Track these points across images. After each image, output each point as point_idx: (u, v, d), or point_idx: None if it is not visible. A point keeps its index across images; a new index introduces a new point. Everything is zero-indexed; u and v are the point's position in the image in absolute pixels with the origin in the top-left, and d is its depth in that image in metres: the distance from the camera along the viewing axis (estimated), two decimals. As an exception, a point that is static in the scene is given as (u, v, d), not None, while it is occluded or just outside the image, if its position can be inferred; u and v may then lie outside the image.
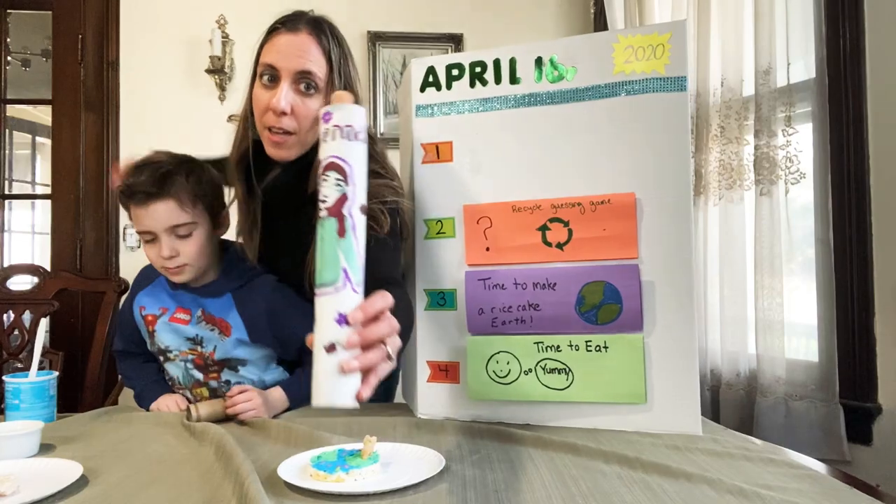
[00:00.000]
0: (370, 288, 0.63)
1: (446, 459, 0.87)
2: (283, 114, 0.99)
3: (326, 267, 0.58)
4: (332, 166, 0.59)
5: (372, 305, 0.59)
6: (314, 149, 0.97)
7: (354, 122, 0.60)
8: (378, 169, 1.10)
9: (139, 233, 1.14)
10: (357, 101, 0.96)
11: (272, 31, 1.05)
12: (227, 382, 1.22)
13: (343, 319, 0.56)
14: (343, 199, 0.58)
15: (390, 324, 0.61)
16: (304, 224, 1.00)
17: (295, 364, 1.25)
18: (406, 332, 0.90)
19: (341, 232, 0.58)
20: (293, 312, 1.16)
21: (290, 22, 1.03)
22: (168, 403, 1.22)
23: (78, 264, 2.42)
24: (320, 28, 1.04)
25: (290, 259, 1.11)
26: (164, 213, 1.09)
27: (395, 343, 0.62)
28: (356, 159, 0.59)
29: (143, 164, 1.13)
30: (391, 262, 1.00)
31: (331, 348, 0.56)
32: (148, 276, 1.27)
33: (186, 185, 1.11)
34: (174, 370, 1.24)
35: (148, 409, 1.24)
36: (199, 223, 1.14)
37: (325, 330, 0.57)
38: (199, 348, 1.20)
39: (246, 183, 1.12)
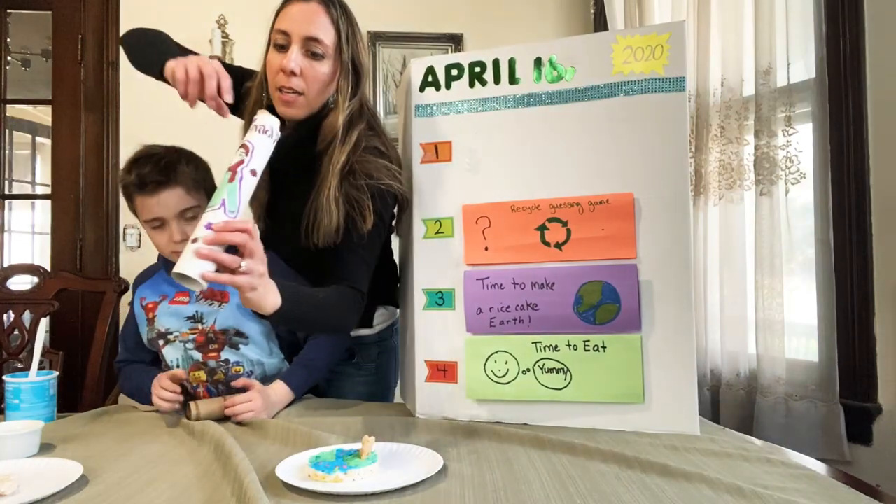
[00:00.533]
0: (329, 283, 0.91)
1: (444, 459, 0.87)
2: (293, 74, 1.07)
3: (215, 197, 0.87)
4: (243, 145, 0.90)
5: (235, 224, 0.83)
6: (322, 110, 1.14)
7: (268, 124, 0.91)
8: (380, 146, 1.17)
9: (147, 221, 1.20)
10: (361, 71, 1.15)
11: (286, 2, 1.12)
12: (227, 362, 1.22)
13: (209, 226, 0.83)
14: (240, 162, 0.88)
15: (252, 246, 0.83)
16: (312, 181, 1.13)
17: (293, 347, 1.28)
18: (322, 315, 1.05)
19: (231, 179, 0.87)
20: (282, 273, 1.18)
21: None
22: (164, 385, 1.18)
23: (78, 264, 2.42)
24: (330, 0, 1.11)
25: (290, 217, 1.19)
26: (173, 199, 1.17)
27: (250, 263, 0.84)
28: (259, 146, 0.90)
29: (143, 156, 1.20)
30: (356, 264, 1.12)
31: (194, 241, 0.82)
32: (146, 274, 1.33)
33: (188, 172, 1.20)
34: (173, 353, 1.25)
35: (149, 400, 1.22)
36: (202, 206, 1.17)
37: (198, 231, 0.83)
38: (199, 325, 1.23)
39: None
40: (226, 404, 1.13)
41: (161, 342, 1.25)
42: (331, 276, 1.10)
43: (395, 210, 1.22)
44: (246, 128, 1.17)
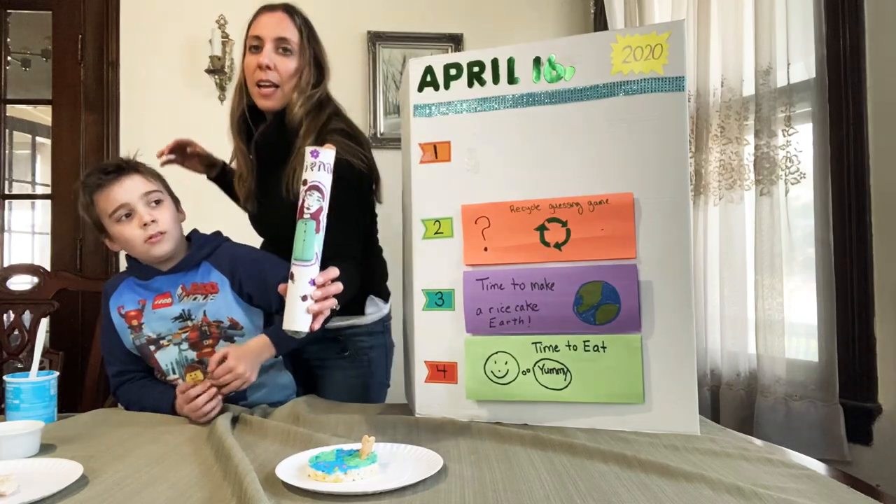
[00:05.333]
0: (327, 256, 0.97)
1: (444, 459, 0.87)
2: (268, 68, 1.27)
3: (306, 250, 0.92)
4: (315, 187, 0.93)
5: (328, 275, 0.94)
6: (296, 108, 1.30)
7: (329, 161, 0.94)
8: (346, 129, 1.33)
9: (112, 216, 1.21)
10: (324, 66, 1.36)
11: (257, 14, 1.35)
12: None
13: (313, 283, 0.92)
14: (320, 210, 0.93)
15: (337, 286, 0.95)
16: (288, 172, 1.29)
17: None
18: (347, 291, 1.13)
19: (317, 229, 0.93)
20: (262, 259, 1.29)
21: (269, 6, 1.35)
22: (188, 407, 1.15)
23: (78, 264, 2.42)
24: (292, 9, 1.34)
25: (277, 197, 1.32)
26: (134, 183, 1.21)
27: (336, 300, 0.96)
28: (326, 184, 0.94)
29: (95, 168, 1.27)
30: (338, 233, 1.15)
31: (304, 298, 0.91)
32: (112, 284, 1.31)
33: (141, 165, 1.26)
34: (166, 357, 1.24)
35: (174, 411, 1.18)
36: (164, 194, 1.26)
37: (302, 287, 0.91)
38: (189, 322, 1.23)
39: (244, 138, 1.37)
40: (210, 381, 1.12)
41: (153, 348, 1.24)
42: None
43: (368, 186, 1.37)
44: (235, 112, 1.35)
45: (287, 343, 1.22)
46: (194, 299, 1.24)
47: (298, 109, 1.29)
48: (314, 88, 1.32)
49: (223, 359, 1.13)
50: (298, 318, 0.90)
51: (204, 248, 1.28)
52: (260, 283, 1.25)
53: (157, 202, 1.23)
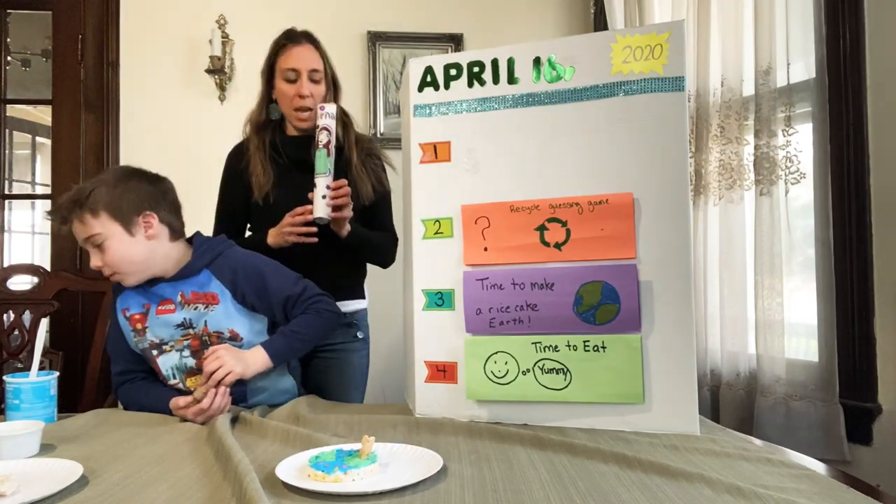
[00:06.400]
0: (384, 230, 1.59)
1: (444, 459, 0.87)
2: (307, 97, 1.48)
3: (324, 167, 1.37)
4: (325, 129, 1.40)
5: (339, 182, 1.38)
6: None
7: (332, 111, 1.42)
8: (377, 153, 1.61)
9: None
10: (337, 84, 1.58)
11: (282, 45, 1.51)
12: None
13: (328, 187, 1.36)
14: (329, 142, 1.39)
15: (346, 190, 1.38)
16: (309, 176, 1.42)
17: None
18: (377, 246, 1.57)
19: (328, 154, 1.38)
20: (264, 268, 1.29)
21: (294, 38, 1.51)
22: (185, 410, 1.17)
23: (78, 264, 2.42)
24: (313, 38, 1.53)
25: (297, 196, 1.44)
26: (77, 227, 1.22)
27: (349, 210, 1.40)
28: (332, 126, 1.41)
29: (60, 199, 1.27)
30: (389, 215, 1.62)
31: (323, 197, 1.35)
32: (119, 285, 1.30)
33: (94, 204, 1.21)
34: (167, 362, 1.24)
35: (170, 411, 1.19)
36: (109, 233, 1.21)
37: (322, 190, 1.35)
38: (190, 331, 1.23)
39: (268, 143, 1.54)
40: (204, 382, 1.13)
41: (155, 352, 1.25)
42: (373, 227, 1.55)
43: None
44: (260, 124, 1.56)
45: (284, 354, 1.25)
46: (195, 308, 1.24)
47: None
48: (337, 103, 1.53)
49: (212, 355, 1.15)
50: (321, 209, 1.34)
51: (205, 256, 1.28)
52: (261, 292, 1.26)
53: (98, 246, 1.20)
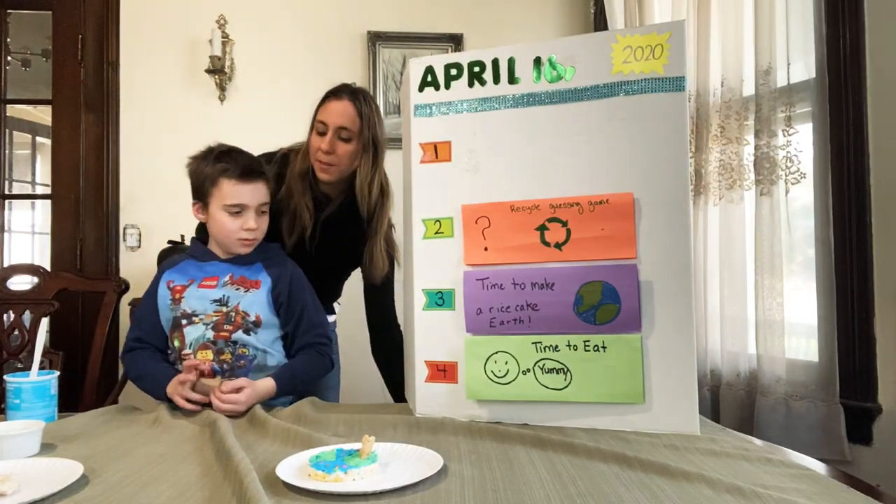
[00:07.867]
0: (375, 305, 1.56)
1: (444, 459, 0.87)
2: (329, 153, 1.45)
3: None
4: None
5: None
6: (353, 175, 1.49)
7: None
8: (393, 235, 1.57)
9: (228, 206, 1.29)
10: (378, 145, 1.48)
11: (326, 97, 1.49)
12: (235, 343, 1.26)
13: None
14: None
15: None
16: (348, 236, 1.51)
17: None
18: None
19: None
20: (307, 287, 1.38)
21: (337, 92, 1.48)
22: (188, 395, 1.22)
23: (78, 264, 2.42)
24: (356, 94, 1.47)
25: (334, 251, 1.53)
26: (261, 190, 1.32)
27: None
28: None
29: (232, 149, 1.34)
30: (393, 293, 1.59)
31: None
32: (173, 261, 1.40)
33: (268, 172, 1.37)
34: (193, 333, 1.28)
35: (153, 386, 1.26)
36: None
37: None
38: (224, 308, 1.29)
39: (307, 190, 1.54)
40: (215, 395, 1.18)
41: (185, 322, 1.29)
42: (377, 301, 1.58)
43: None
44: (302, 172, 1.51)
45: (290, 389, 1.30)
46: (237, 289, 1.30)
47: (364, 201, 1.49)
48: (371, 165, 1.49)
49: (238, 390, 1.18)
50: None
51: (262, 254, 1.37)
52: (293, 300, 1.34)
53: (264, 213, 1.34)
